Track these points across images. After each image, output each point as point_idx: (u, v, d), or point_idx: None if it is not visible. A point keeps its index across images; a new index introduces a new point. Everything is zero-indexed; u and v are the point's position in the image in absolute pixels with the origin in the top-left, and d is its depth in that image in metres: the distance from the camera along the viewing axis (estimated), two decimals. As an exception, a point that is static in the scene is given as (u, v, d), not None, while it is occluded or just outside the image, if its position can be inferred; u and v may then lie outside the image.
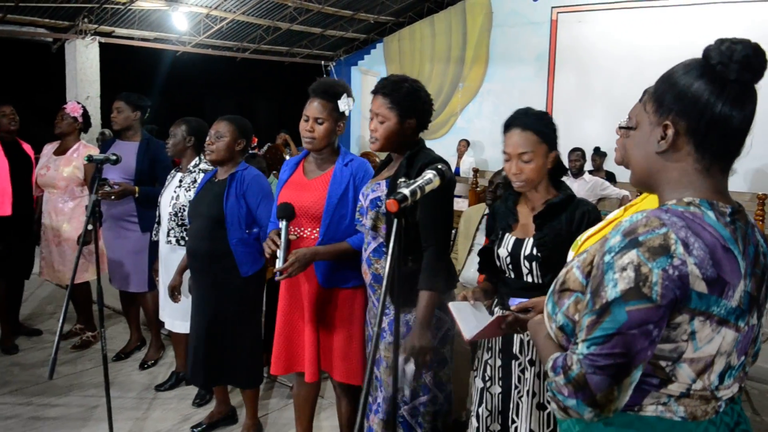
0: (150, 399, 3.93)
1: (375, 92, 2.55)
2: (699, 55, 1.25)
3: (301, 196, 2.77)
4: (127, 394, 3.97)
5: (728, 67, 1.17)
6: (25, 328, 4.97)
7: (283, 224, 2.63)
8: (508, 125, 2.29)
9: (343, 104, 2.78)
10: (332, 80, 2.86)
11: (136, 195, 4.16)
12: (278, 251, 2.61)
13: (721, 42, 1.20)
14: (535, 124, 2.25)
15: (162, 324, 4.00)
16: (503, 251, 2.32)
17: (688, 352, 1.16)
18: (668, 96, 1.22)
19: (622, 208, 1.81)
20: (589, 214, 2.23)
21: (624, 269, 1.12)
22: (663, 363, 1.18)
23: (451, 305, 2.13)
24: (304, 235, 2.78)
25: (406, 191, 1.52)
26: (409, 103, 2.50)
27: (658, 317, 1.12)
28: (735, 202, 1.25)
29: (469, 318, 2.11)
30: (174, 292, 3.45)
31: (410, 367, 2.43)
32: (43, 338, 4.90)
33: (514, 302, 2.12)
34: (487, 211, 3.94)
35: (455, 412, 2.70)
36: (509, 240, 2.32)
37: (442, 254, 2.43)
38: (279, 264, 2.60)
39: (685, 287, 1.11)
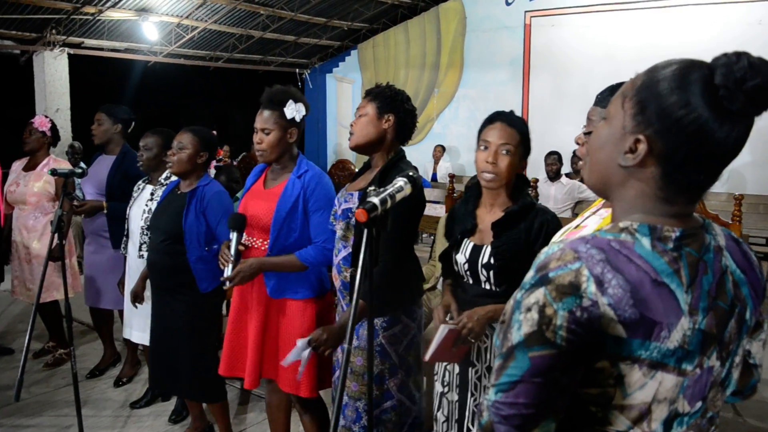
0: (125, 417, 3.84)
1: (364, 96, 2.58)
2: (672, 55, 1.07)
3: (256, 205, 2.77)
4: (101, 412, 3.89)
5: (733, 96, 0.96)
6: (-5, 348, 4.86)
7: (233, 235, 2.65)
8: (493, 119, 2.28)
9: (290, 111, 2.73)
10: (279, 88, 2.81)
11: (105, 211, 4.07)
12: (229, 260, 2.63)
13: (734, 60, 0.98)
14: (520, 125, 2.26)
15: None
16: (461, 257, 2.29)
17: (617, 399, 1.02)
18: (653, 106, 1.02)
19: (608, 215, 1.74)
20: (549, 223, 2.20)
21: (529, 310, 1.00)
22: (593, 408, 1.04)
23: (442, 326, 2.12)
24: (255, 246, 2.77)
25: (375, 200, 1.47)
26: (389, 97, 2.50)
27: (565, 365, 0.99)
28: (695, 223, 1.08)
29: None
30: (136, 298, 3.41)
31: (303, 346, 2.37)
32: (15, 357, 4.78)
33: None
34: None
35: (429, 420, 2.65)
36: (467, 246, 2.28)
37: (390, 272, 2.37)
38: (226, 273, 2.62)
39: (596, 331, 0.97)
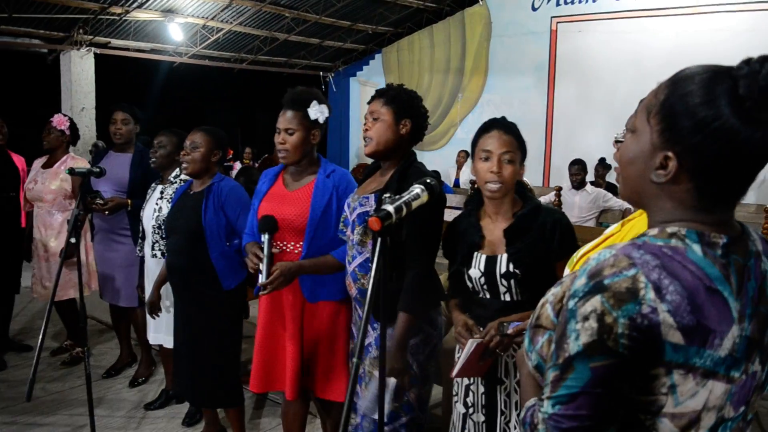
0: (139, 418, 3.82)
1: (372, 98, 2.51)
2: (700, 61, 1.05)
3: (283, 208, 2.68)
4: (115, 413, 3.87)
5: (761, 105, 0.95)
6: (14, 344, 4.87)
7: (265, 238, 2.53)
8: (488, 127, 2.22)
9: (314, 112, 2.68)
10: (302, 89, 2.77)
11: (129, 208, 4.07)
12: (261, 265, 2.50)
13: (757, 68, 0.95)
14: (515, 130, 2.21)
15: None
16: (475, 271, 2.20)
17: (668, 407, 1.00)
18: (680, 122, 1.00)
19: (620, 223, 1.70)
20: (560, 221, 2.16)
21: (587, 318, 0.97)
22: (642, 416, 1.02)
23: (470, 341, 2.05)
24: (287, 249, 2.70)
25: (390, 208, 1.41)
26: (405, 102, 2.44)
27: (627, 373, 0.97)
28: (737, 229, 1.07)
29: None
30: (153, 309, 3.36)
31: (391, 383, 2.33)
32: (33, 354, 4.76)
33: (513, 326, 2.03)
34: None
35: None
36: (480, 258, 2.20)
37: (425, 276, 2.32)
38: (262, 279, 2.50)
39: (656, 338, 0.95)
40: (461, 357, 2.07)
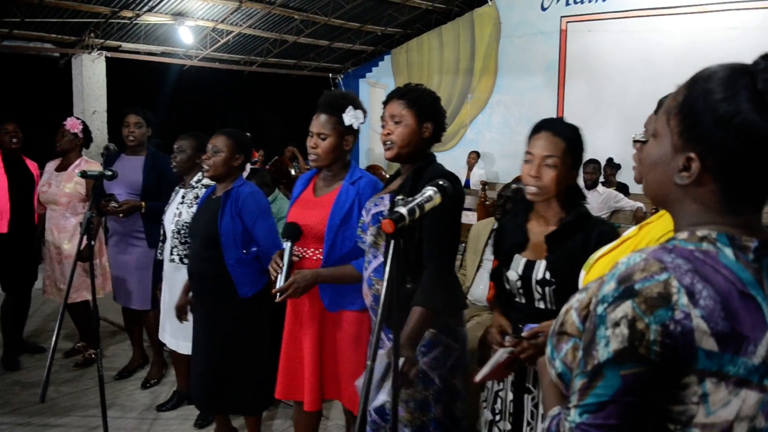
0: (151, 419, 3.83)
1: (389, 98, 2.41)
2: (711, 60, 1.04)
3: (307, 214, 2.65)
4: (128, 414, 3.89)
5: None
6: (28, 345, 4.91)
7: (287, 245, 2.53)
8: (539, 128, 2.12)
9: (349, 117, 2.61)
10: (339, 92, 2.73)
11: (143, 210, 4.09)
12: (280, 271, 2.50)
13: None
14: (568, 133, 2.10)
15: (163, 343, 3.91)
16: (513, 274, 2.13)
17: (699, 417, 0.95)
18: (699, 122, 0.99)
19: (637, 227, 1.67)
20: (606, 234, 2.02)
21: (617, 325, 0.94)
22: (671, 426, 0.98)
23: (501, 350, 1.99)
24: (307, 256, 2.66)
25: (403, 210, 1.39)
26: (427, 103, 2.36)
27: (659, 381, 0.94)
28: (766, 233, 1.03)
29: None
30: (181, 313, 3.30)
31: (378, 369, 2.20)
32: (47, 356, 4.78)
33: (528, 328, 1.99)
34: (496, 225, 3.83)
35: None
36: (520, 262, 2.13)
37: (443, 273, 2.24)
38: (278, 284, 2.49)
39: (690, 345, 0.92)
40: (488, 364, 2.01)
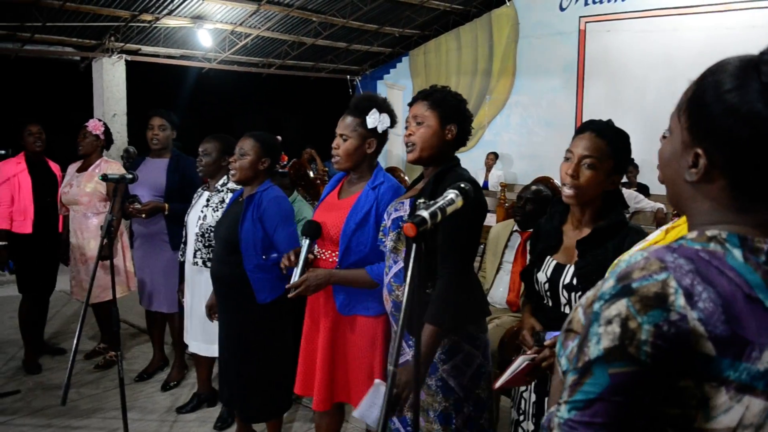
0: (171, 422, 3.85)
1: (414, 99, 2.37)
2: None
3: (328, 216, 2.65)
4: (148, 416, 3.90)
5: None
6: (49, 347, 4.95)
7: (305, 242, 2.54)
8: (584, 128, 2.07)
9: (372, 120, 2.59)
10: (367, 95, 2.70)
11: (166, 212, 4.10)
12: (296, 267, 2.51)
13: None
14: (611, 135, 2.04)
15: (186, 345, 3.91)
16: (542, 276, 2.11)
17: (699, 422, 0.92)
18: (704, 117, 0.97)
19: (663, 230, 1.64)
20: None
21: (610, 322, 0.91)
22: (671, 431, 0.94)
23: (521, 358, 1.98)
24: (323, 257, 2.65)
25: (425, 214, 1.37)
26: (452, 105, 2.32)
27: (648, 383, 0.90)
28: None
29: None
30: (211, 312, 3.32)
31: (384, 390, 2.15)
32: (67, 357, 4.82)
33: (550, 336, 1.96)
34: (515, 227, 3.80)
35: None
36: (550, 264, 2.11)
37: (456, 282, 2.17)
38: (293, 279, 2.51)
39: (685, 348, 0.88)
40: (508, 371, 1.99)
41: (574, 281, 2.02)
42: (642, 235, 1.99)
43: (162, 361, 4.62)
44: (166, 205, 4.10)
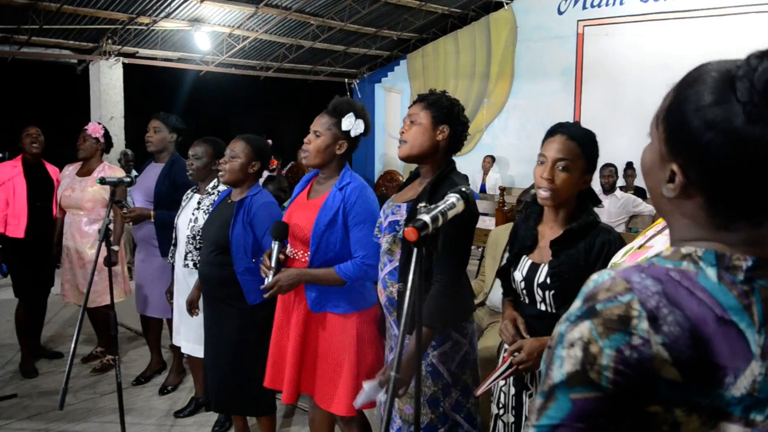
0: (169, 426, 3.83)
1: (412, 102, 2.47)
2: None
3: (298, 216, 2.73)
4: (145, 420, 3.89)
5: (761, 110, 0.84)
6: (46, 351, 4.94)
7: (275, 244, 2.63)
8: (553, 131, 2.13)
9: (347, 123, 2.68)
10: (347, 99, 2.78)
11: (152, 219, 4.08)
12: (269, 269, 2.61)
13: (755, 62, 0.87)
14: (581, 137, 2.10)
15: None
16: (518, 274, 2.18)
17: None
18: (678, 132, 0.92)
19: (656, 228, 1.62)
20: (611, 244, 2.03)
21: (572, 345, 0.88)
22: None
23: (502, 368, 2.06)
24: (296, 257, 2.73)
25: (426, 218, 1.36)
26: (445, 107, 2.39)
27: (611, 409, 0.86)
28: None
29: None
30: (192, 307, 3.36)
31: (375, 388, 2.27)
32: (64, 361, 4.84)
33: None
34: (514, 230, 3.80)
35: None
36: (525, 263, 2.18)
37: (450, 290, 2.27)
38: (266, 282, 2.60)
39: (648, 373, 0.84)
40: (493, 375, 2.07)
41: (548, 280, 2.08)
42: (612, 234, 2.08)
43: (159, 365, 4.61)
44: (152, 212, 4.08)
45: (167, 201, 4.09)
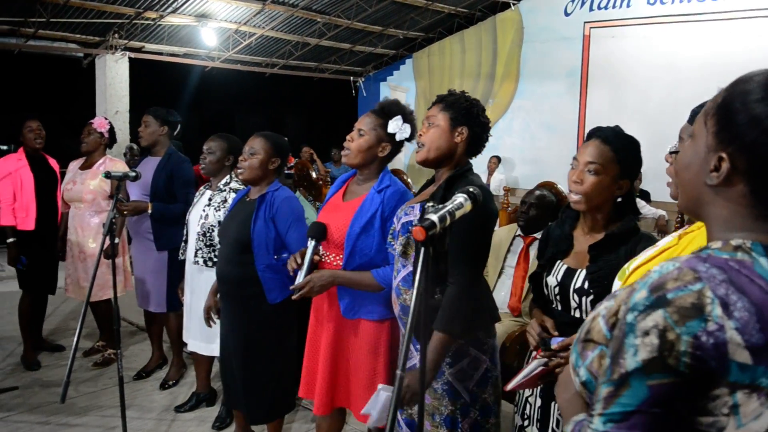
0: (169, 420, 3.83)
1: (432, 103, 2.38)
2: (737, 69, 1.04)
3: (332, 218, 2.63)
4: (146, 415, 3.89)
5: None
6: (48, 344, 4.94)
7: (311, 243, 2.53)
8: (590, 135, 2.10)
9: (394, 125, 2.59)
10: (396, 101, 2.69)
11: (149, 212, 4.07)
12: (300, 269, 2.50)
13: None
14: (617, 142, 2.06)
15: (184, 344, 3.90)
16: (552, 279, 2.12)
17: (729, 429, 0.92)
18: (732, 122, 0.99)
19: (676, 235, 1.63)
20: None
21: (647, 334, 0.91)
22: None
23: (536, 361, 1.96)
24: (328, 260, 2.63)
25: (434, 217, 1.36)
26: (463, 108, 2.31)
27: (687, 393, 0.90)
28: None
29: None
30: (209, 314, 3.24)
31: (385, 396, 2.20)
32: (65, 354, 4.85)
33: (556, 341, 1.95)
34: (518, 232, 3.79)
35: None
36: (560, 268, 2.11)
37: (466, 293, 2.16)
38: (297, 280, 2.50)
39: (723, 358, 0.89)
40: (523, 372, 1.99)
41: (586, 285, 2.03)
42: (653, 241, 1.99)
43: (161, 360, 4.61)
44: (149, 205, 4.08)
45: (164, 194, 4.10)
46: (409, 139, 2.65)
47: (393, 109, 2.63)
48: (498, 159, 10.94)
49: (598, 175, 2.02)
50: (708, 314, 0.89)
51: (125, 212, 4.03)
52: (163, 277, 4.06)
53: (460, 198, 1.49)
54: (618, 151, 2.04)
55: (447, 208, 1.42)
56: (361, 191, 2.66)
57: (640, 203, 6.85)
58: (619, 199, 2.09)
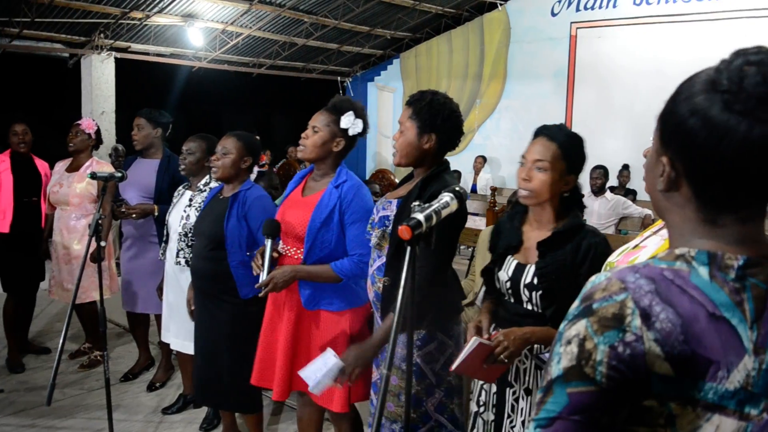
0: (156, 422, 3.82)
1: (406, 103, 2.46)
2: None
3: (292, 213, 2.73)
4: (133, 417, 3.87)
5: (738, 98, 0.88)
6: (33, 347, 4.90)
7: (268, 242, 2.61)
8: (537, 134, 2.19)
9: (346, 121, 2.68)
10: (348, 98, 2.79)
11: (156, 214, 4.06)
12: (262, 267, 2.60)
13: (734, 58, 0.91)
14: (562, 139, 2.14)
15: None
16: (503, 274, 2.20)
17: None
18: (668, 125, 0.97)
19: (666, 238, 1.61)
20: (597, 246, 2.07)
21: (569, 342, 0.92)
22: None
23: (474, 339, 2.04)
24: (289, 255, 2.72)
25: (420, 216, 1.37)
26: (430, 115, 2.35)
27: (606, 403, 0.90)
28: (765, 249, 0.95)
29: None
30: (191, 306, 3.32)
31: (334, 362, 2.34)
32: (52, 357, 4.81)
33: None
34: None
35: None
36: (511, 263, 2.20)
37: (426, 285, 2.23)
38: (261, 279, 2.58)
39: (640, 369, 0.88)
40: (463, 351, 2.07)
41: (535, 281, 2.11)
42: (599, 236, 2.12)
43: (148, 361, 4.58)
44: (156, 207, 4.06)
45: (169, 196, 4.08)
46: (362, 134, 2.76)
47: (345, 105, 2.72)
48: (483, 159, 10.98)
49: (545, 171, 2.10)
50: (627, 325, 0.89)
51: (133, 215, 3.99)
52: (158, 279, 4.04)
53: (446, 197, 1.50)
54: (564, 148, 2.12)
55: (433, 207, 1.43)
56: (319, 187, 2.75)
57: (627, 202, 6.91)
58: (566, 194, 2.18)
